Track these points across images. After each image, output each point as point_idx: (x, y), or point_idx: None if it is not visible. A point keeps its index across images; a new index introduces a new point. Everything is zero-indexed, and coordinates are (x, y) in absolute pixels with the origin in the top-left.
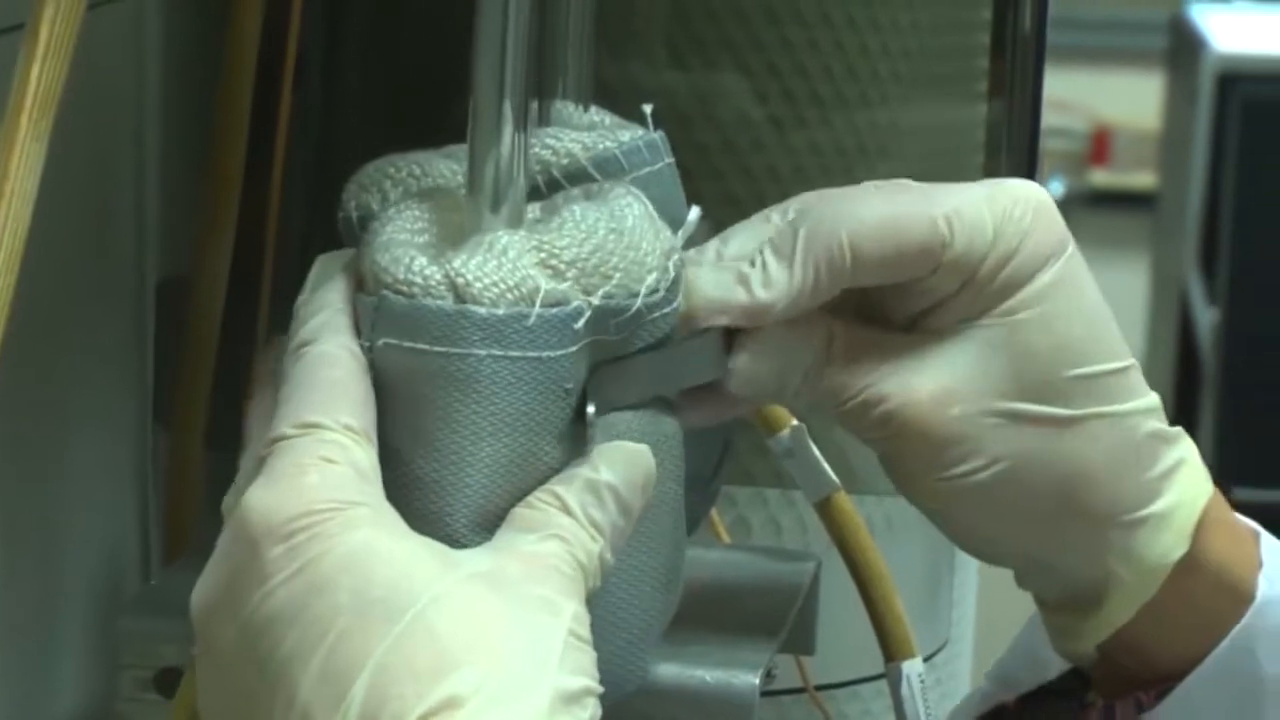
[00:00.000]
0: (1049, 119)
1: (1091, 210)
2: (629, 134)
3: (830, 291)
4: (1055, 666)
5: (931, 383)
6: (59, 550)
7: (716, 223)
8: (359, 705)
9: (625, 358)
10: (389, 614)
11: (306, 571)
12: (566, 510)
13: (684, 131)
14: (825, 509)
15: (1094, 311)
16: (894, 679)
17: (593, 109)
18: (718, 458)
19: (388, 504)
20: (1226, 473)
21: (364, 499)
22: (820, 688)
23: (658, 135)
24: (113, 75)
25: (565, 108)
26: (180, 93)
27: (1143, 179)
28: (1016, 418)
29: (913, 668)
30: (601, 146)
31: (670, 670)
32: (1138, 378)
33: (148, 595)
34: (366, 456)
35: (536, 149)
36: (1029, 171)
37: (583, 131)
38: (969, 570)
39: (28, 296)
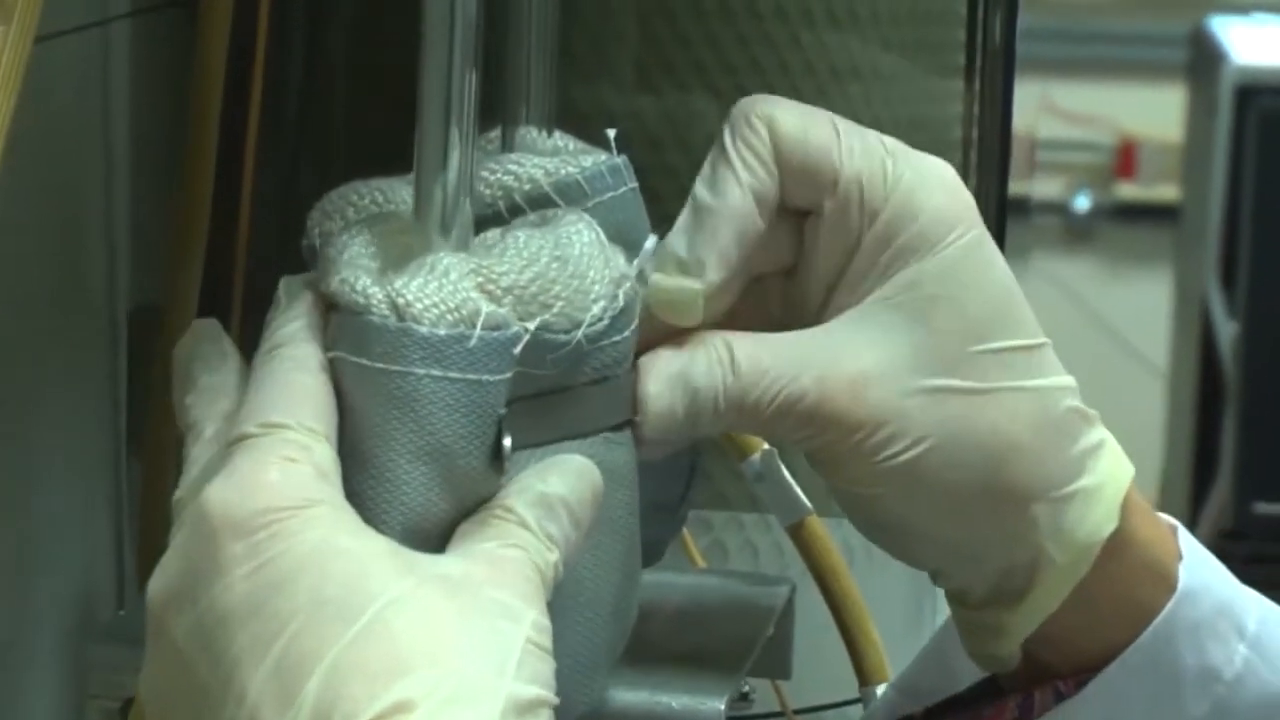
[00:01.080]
0: (1074, 133)
1: (1118, 223)
2: (592, 159)
3: (768, 184)
4: (966, 677)
5: (849, 368)
6: (30, 579)
7: None
8: (310, 705)
9: (537, 396)
10: (345, 614)
11: (266, 569)
12: (522, 523)
13: (654, 154)
14: (798, 533)
15: (1002, 287)
16: (868, 702)
17: (557, 134)
18: (684, 484)
19: (348, 504)
20: (1248, 487)
21: (325, 498)
22: (800, 711)
23: (621, 160)
24: (79, 104)
25: (529, 133)
26: (148, 121)
27: (1168, 192)
28: (934, 393)
29: None
30: (564, 172)
31: (637, 696)
32: (1051, 357)
33: (116, 625)
34: (328, 457)
35: (499, 175)
36: (1000, 188)
37: (546, 157)
38: None
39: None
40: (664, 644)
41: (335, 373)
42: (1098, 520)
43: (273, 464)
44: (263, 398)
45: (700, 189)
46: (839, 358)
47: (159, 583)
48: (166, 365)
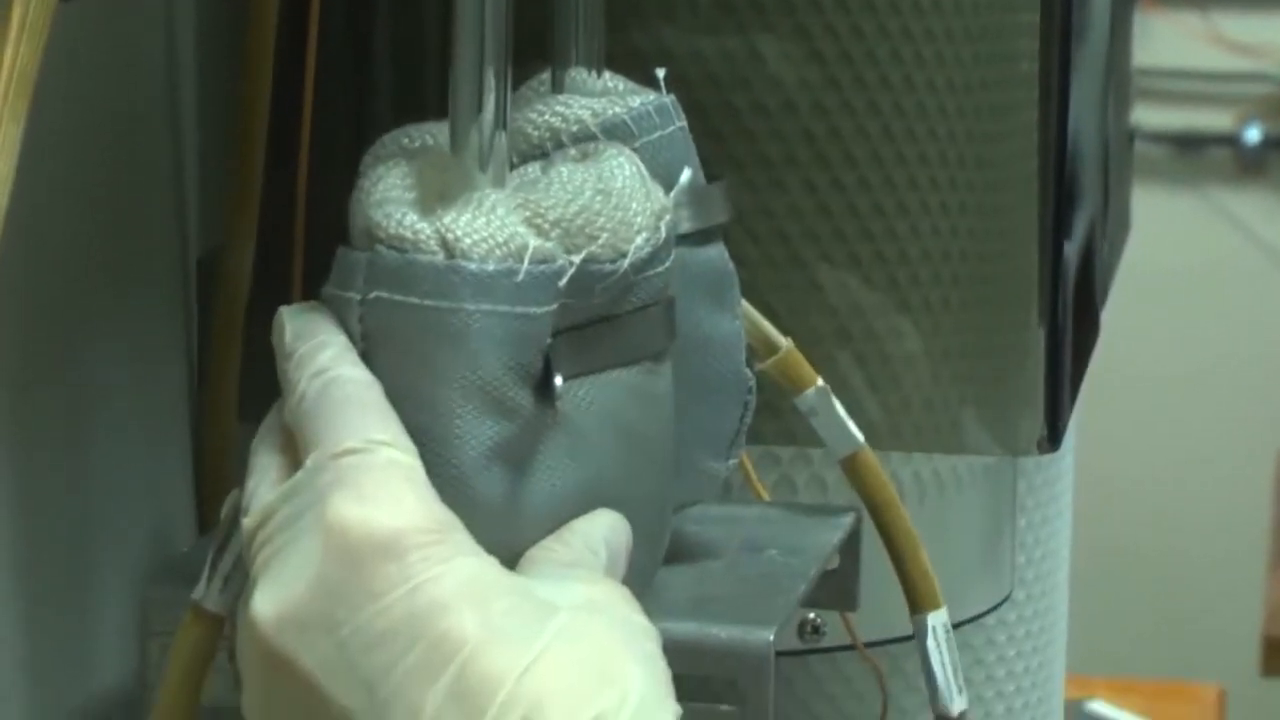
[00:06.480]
0: (1243, 64)
1: None
2: (640, 99)
3: None
4: None
5: None
6: (100, 517)
7: (749, 184)
8: None
9: (583, 326)
10: (522, 639)
11: (425, 590)
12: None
13: (716, 94)
14: (850, 466)
15: None
16: (919, 631)
17: (606, 75)
18: (739, 415)
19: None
20: None
21: (459, 526)
22: (876, 643)
23: (669, 99)
24: (145, 52)
25: (579, 74)
26: (214, 66)
27: None
28: None
29: (938, 619)
30: (611, 112)
31: (686, 627)
32: None
33: (176, 563)
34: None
35: (547, 116)
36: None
37: (594, 98)
38: (1062, 518)
39: (65, 273)
40: (725, 577)
41: (374, 314)
42: None
43: (403, 485)
44: (351, 415)
45: None
46: None
47: (276, 609)
48: (228, 303)
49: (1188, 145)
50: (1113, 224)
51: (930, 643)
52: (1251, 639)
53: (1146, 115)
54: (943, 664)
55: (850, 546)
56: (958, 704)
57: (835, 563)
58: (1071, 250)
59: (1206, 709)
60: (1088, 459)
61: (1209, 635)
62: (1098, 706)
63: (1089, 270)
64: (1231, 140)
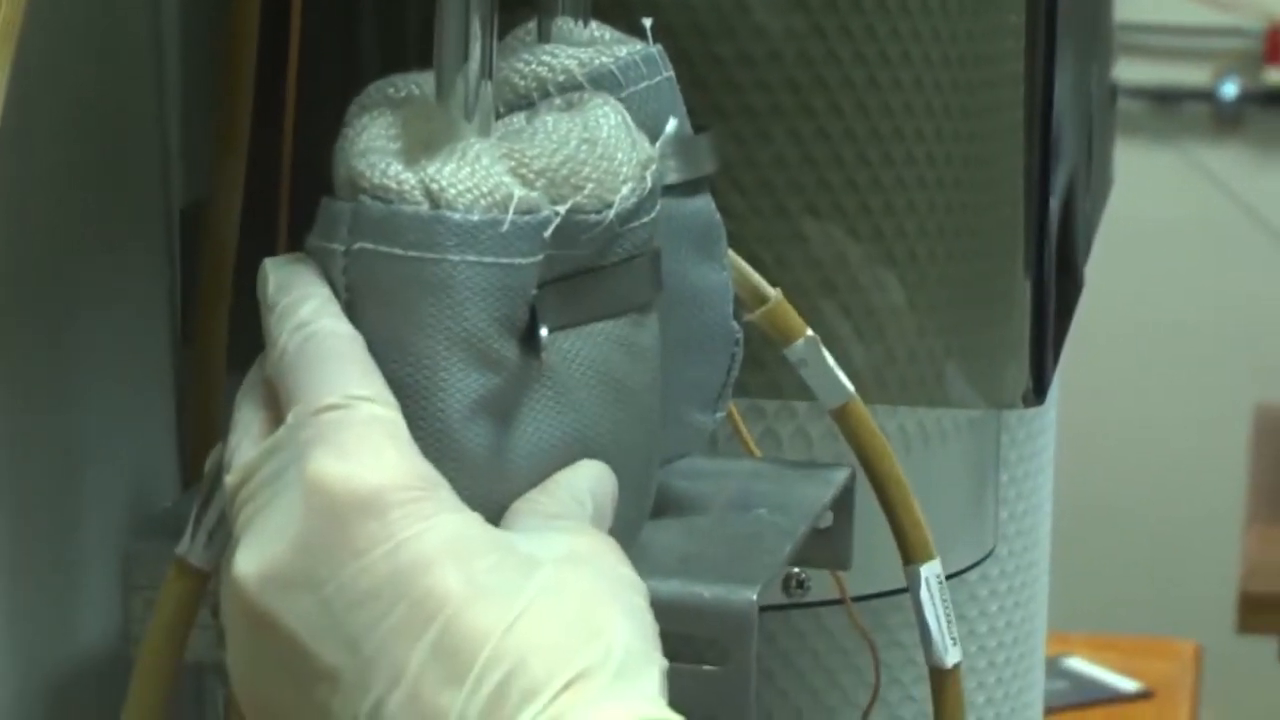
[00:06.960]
0: (1222, 19)
1: (1266, 109)
2: (627, 49)
3: None
4: None
5: None
6: (83, 472)
7: (735, 134)
8: (488, 681)
9: (569, 278)
10: (506, 595)
11: (408, 547)
12: (582, 509)
13: (702, 44)
14: (841, 416)
15: None
16: (913, 581)
17: (593, 24)
18: (726, 368)
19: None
20: None
21: (441, 481)
22: (861, 598)
23: (656, 49)
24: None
25: (565, 24)
26: (200, 14)
27: None
28: None
29: (931, 570)
30: (598, 62)
31: (670, 586)
32: None
33: (160, 517)
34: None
35: (534, 66)
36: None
37: (581, 48)
38: (1045, 473)
39: (48, 224)
40: (712, 534)
41: (358, 264)
42: None
43: (385, 441)
44: (331, 371)
45: None
46: None
47: (258, 568)
48: (214, 256)
49: (1165, 100)
50: (1095, 178)
51: (924, 594)
52: (1228, 596)
53: (1125, 70)
54: (936, 615)
55: (843, 504)
56: (952, 655)
57: (828, 520)
58: (1056, 203)
59: (1184, 665)
60: (1068, 413)
61: (1186, 592)
62: (1075, 663)
63: (1072, 223)
64: (1209, 95)
